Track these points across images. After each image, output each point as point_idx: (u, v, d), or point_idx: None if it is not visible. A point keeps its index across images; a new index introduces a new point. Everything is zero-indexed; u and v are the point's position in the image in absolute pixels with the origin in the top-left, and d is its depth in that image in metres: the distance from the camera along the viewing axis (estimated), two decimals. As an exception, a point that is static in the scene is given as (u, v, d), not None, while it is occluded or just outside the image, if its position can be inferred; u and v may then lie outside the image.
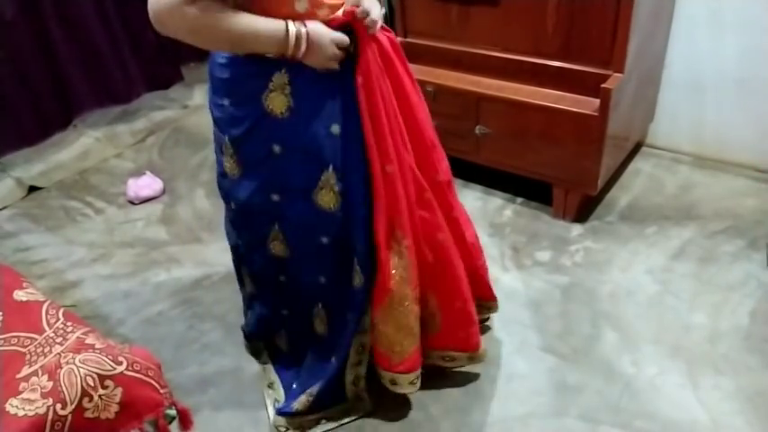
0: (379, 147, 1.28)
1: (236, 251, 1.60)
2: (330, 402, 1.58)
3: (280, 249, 1.45)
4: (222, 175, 1.41)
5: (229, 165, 1.36)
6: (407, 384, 1.54)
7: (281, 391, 1.68)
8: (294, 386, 1.64)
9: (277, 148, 1.28)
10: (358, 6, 1.19)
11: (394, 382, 1.54)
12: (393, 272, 1.39)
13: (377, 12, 1.23)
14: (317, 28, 1.18)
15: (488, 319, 1.84)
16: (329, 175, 1.29)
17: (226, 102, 1.29)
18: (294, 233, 1.40)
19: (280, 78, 1.22)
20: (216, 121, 1.35)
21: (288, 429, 1.59)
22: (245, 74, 1.25)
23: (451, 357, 1.63)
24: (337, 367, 1.52)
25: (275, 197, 1.35)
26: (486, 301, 1.73)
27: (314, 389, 1.55)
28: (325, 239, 1.37)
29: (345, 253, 1.39)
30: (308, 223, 1.37)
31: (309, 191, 1.32)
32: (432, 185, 1.42)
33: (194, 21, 1.09)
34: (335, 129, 1.27)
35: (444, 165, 1.49)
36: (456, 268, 1.50)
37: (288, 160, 1.29)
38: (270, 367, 1.76)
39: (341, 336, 1.49)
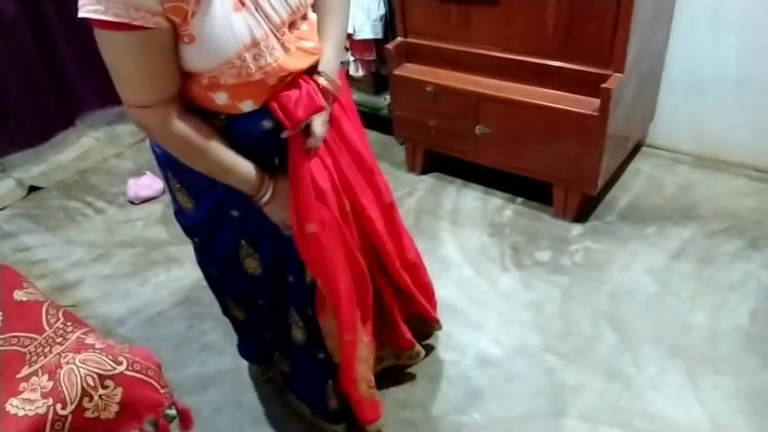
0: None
1: (213, 281, 1.56)
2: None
3: (254, 267, 1.41)
4: (179, 212, 1.38)
5: (182, 199, 1.34)
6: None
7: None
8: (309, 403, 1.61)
9: None
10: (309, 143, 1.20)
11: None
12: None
13: (320, 131, 1.20)
14: (281, 188, 1.22)
15: (431, 335, 1.82)
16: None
17: None
18: (260, 238, 1.36)
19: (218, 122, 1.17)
20: (157, 160, 1.31)
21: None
22: None
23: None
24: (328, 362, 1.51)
25: (235, 213, 1.31)
26: (429, 321, 1.73)
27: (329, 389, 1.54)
28: (287, 232, 1.33)
29: None
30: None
31: None
32: (381, 209, 1.45)
33: (175, 138, 1.09)
34: (268, 124, 1.18)
35: (386, 188, 1.50)
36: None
37: None
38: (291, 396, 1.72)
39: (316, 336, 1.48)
